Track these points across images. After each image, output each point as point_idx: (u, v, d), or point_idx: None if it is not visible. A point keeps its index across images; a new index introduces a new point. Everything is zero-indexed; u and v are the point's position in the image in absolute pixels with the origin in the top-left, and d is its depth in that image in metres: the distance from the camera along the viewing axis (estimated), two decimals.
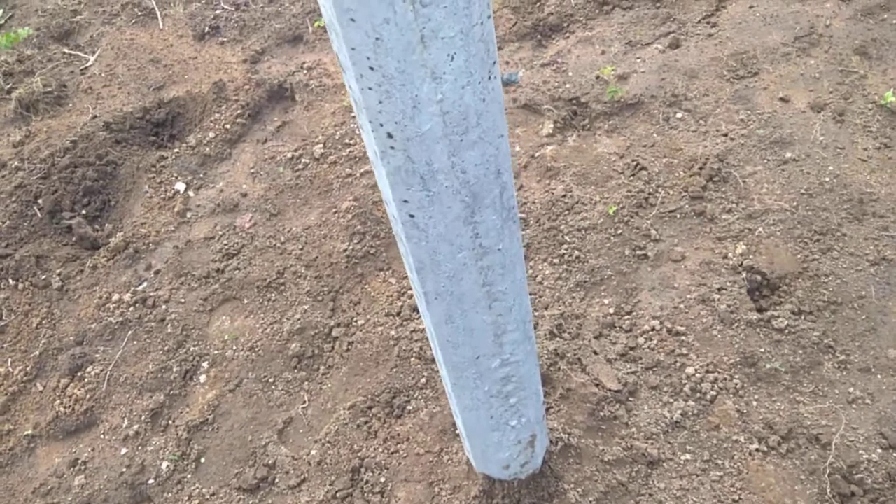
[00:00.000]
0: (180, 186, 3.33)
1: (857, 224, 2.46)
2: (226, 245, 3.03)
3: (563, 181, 2.81)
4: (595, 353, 2.32)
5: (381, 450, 2.29)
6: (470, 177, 1.22)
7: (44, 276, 3.12)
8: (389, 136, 1.13)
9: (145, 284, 3.02)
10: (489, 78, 1.13)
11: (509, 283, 1.48)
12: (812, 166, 2.63)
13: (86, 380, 2.77)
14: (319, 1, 1.01)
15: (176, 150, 3.48)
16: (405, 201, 1.24)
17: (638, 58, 3.17)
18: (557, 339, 2.38)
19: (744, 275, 2.40)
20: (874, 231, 2.44)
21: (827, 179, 2.58)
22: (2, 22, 4.41)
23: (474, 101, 1.12)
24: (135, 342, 2.85)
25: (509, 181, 1.32)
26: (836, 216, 2.49)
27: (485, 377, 1.68)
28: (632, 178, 2.75)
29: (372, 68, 1.04)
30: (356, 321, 2.67)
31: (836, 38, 3.03)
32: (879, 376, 2.14)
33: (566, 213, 2.72)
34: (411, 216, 1.27)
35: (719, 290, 2.39)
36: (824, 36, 3.04)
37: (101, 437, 2.63)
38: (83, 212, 3.34)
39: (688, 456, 2.12)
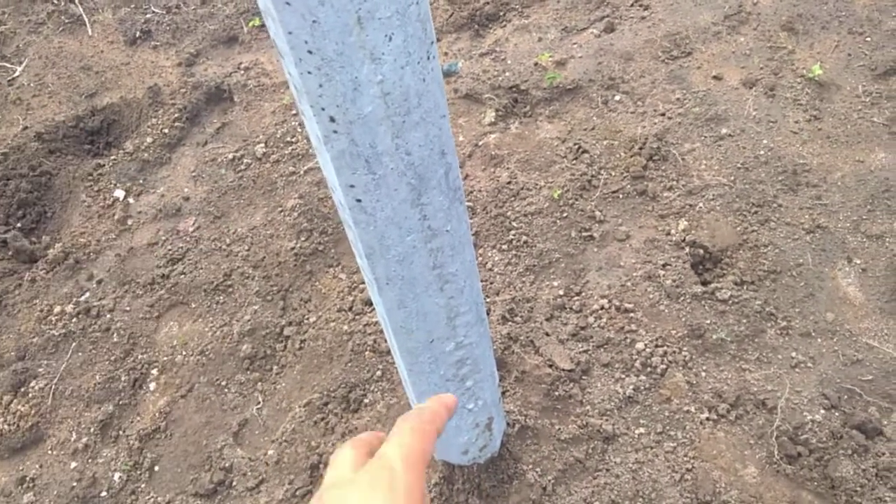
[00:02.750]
0: (119, 194, 3.24)
1: (792, 195, 2.55)
2: (170, 250, 2.97)
3: (508, 168, 2.84)
4: (547, 334, 2.35)
5: (339, 444, 2.28)
6: (415, 158, 1.23)
7: None
8: (332, 119, 1.13)
9: (88, 294, 2.93)
10: (428, 58, 1.13)
11: (459, 265, 1.49)
12: (747, 141, 2.71)
13: (30, 395, 2.68)
14: None
15: (113, 157, 3.39)
16: (351, 186, 1.24)
17: (574, 43, 3.22)
18: (510, 323, 2.40)
19: (687, 250, 2.46)
20: (808, 200, 2.53)
21: (762, 153, 2.67)
22: None
23: (414, 81, 1.12)
24: (79, 353, 2.76)
25: (454, 162, 1.32)
26: (771, 188, 2.57)
27: (440, 361, 1.69)
28: (574, 161, 2.79)
29: (310, 52, 1.03)
30: (308, 318, 2.65)
31: (764, 15, 3.13)
32: (819, 340, 2.23)
33: (512, 199, 2.74)
34: (358, 200, 1.26)
35: (664, 266, 2.44)
36: (752, 14, 3.14)
37: (49, 452, 2.55)
38: (18, 225, 3.23)
39: (641, 429, 2.16)
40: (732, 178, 2.61)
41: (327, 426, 2.36)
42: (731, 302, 2.32)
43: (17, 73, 3.84)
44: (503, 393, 2.27)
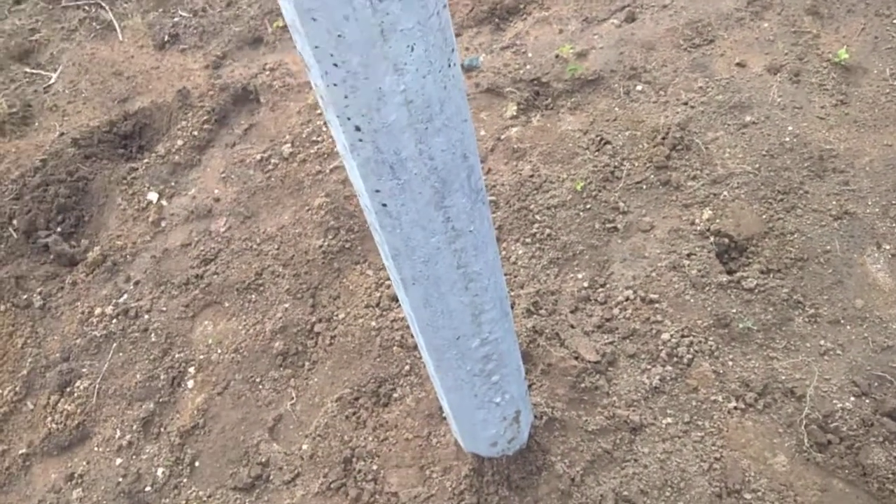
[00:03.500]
0: (153, 196, 3.33)
1: (819, 181, 2.54)
2: (202, 251, 3.05)
3: (531, 161, 2.86)
4: (572, 326, 2.38)
5: (370, 438, 2.34)
6: (438, 163, 1.26)
7: (25, 296, 3.11)
8: (357, 129, 1.17)
9: (126, 296, 3.02)
10: (449, 65, 1.17)
11: (483, 264, 1.53)
12: (772, 128, 2.70)
13: (75, 394, 2.78)
14: (280, 2, 1.04)
15: (146, 160, 3.48)
16: (377, 191, 1.28)
17: (595, 34, 3.22)
18: (535, 316, 2.43)
19: (712, 239, 2.47)
20: (835, 186, 2.52)
21: (787, 139, 2.66)
22: None
23: (436, 89, 1.16)
24: (120, 354, 2.86)
25: (476, 164, 1.36)
26: (797, 175, 2.56)
27: (466, 357, 1.73)
28: (597, 153, 2.81)
29: (336, 65, 1.07)
30: (337, 315, 2.70)
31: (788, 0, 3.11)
32: (849, 327, 2.22)
33: (535, 192, 2.77)
34: (384, 205, 1.31)
35: (689, 255, 2.45)
36: None
37: (95, 449, 2.64)
38: (58, 229, 3.33)
39: (669, 419, 2.19)
40: (757, 165, 2.61)
41: (359, 420, 2.41)
42: (757, 290, 2.33)
43: (52, 81, 3.95)
44: (530, 386, 2.30)
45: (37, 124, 3.78)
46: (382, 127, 1.16)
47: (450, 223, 1.38)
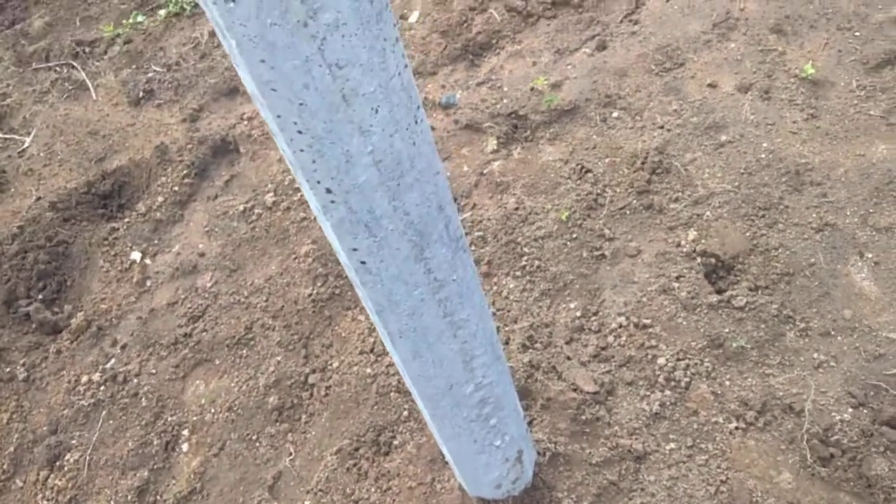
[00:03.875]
0: (136, 256, 3.31)
1: (797, 195, 2.55)
2: (190, 308, 3.02)
3: (514, 194, 2.86)
4: (568, 358, 2.36)
5: (373, 489, 2.30)
6: (413, 217, 1.25)
7: (7, 369, 3.07)
8: (328, 191, 1.16)
9: (113, 361, 2.98)
10: (416, 122, 1.17)
11: (470, 310, 1.52)
12: (747, 145, 2.72)
13: (65, 468, 2.73)
14: (241, 74, 1.04)
15: (127, 219, 3.46)
16: (354, 249, 1.27)
17: (568, 64, 3.25)
18: (530, 350, 2.41)
19: (698, 260, 2.47)
20: (814, 199, 2.53)
21: (763, 156, 2.67)
22: None
23: (405, 146, 1.15)
24: (111, 421, 2.81)
25: (453, 213, 1.35)
26: (776, 190, 2.57)
27: (461, 404, 1.71)
28: (579, 181, 2.81)
29: (300, 132, 1.07)
30: (331, 364, 2.68)
31: (752, 19, 3.15)
32: (840, 338, 2.22)
33: (521, 224, 2.76)
34: (363, 262, 1.30)
35: (678, 278, 2.45)
36: (740, 19, 3.15)
37: None
38: (39, 297, 3.30)
39: (672, 445, 2.16)
40: (737, 183, 2.62)
41: (360, 472, 2.38)
42: (747, 308, 2.32)
43: (26, 145, 3.94)
44: (530, 422, 2.28)
45: (12, 190, 3.77)
46: (353, 188, 1.15)
47: (431, 274, 1.37)
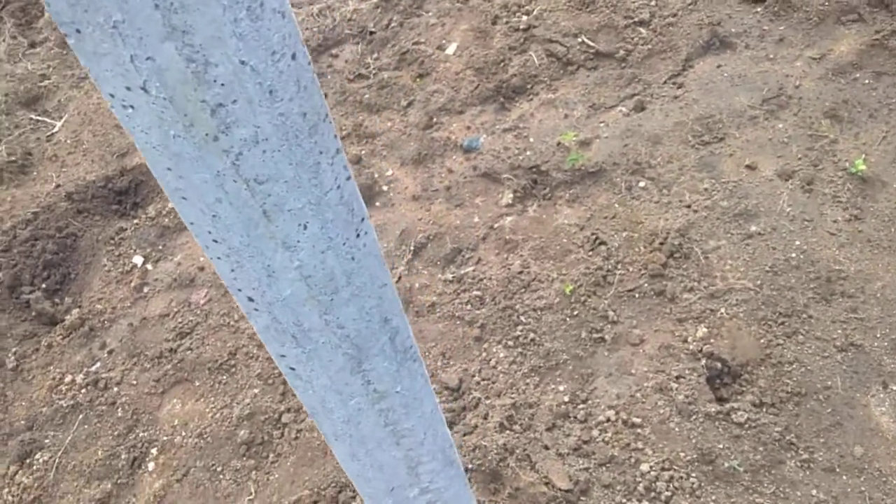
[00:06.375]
0: (138, 260, 3.26)
1: (825, 305, 2.35)
2: (180, 323, 2.95)
3: (521, 255, 2.72)
4: (546, 448, 2.21)
5: None
6: (350, 331, 1.13)
7: None
8: (250, 299, 1.05)
9: (98, 364, 2.93)
10: (357, 236, 1.04)
11: (416, 419, 1.39)
12: (778, 241, 2.53)
13: (34, 467, 2.69)
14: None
15: (136, 220, 3.42)
16: (282, 356, 1.16)
17: (601, 122, 3.09)
18: (508, 431, 2.27)
19: (703, 361, 2.29)
20: (842, 313, 2.32)
21: (793, 255, 2.48)
22: None
23: (340, 262, 1.03)
24: (85, 426, 2.76)
25: (401, 324, 1.22)
26: (802, 296, 2.38)
27: None
28: (591, 253, 2.65)
29: (216, 241, 0.96)
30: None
31: (806, 99, 2.93)
32: (845, 477, 2.02)
33: (522, 290, 2.62)
34: (292, 369, 1.18)
35: (678, 378, 2.28)
36: (793, 97, 2.94)
37: None
38: (43, 286, 3.27)
39: None
40: (759, 282, 2.43)
41: None
42: (747, 426, 2.14)
43: (55, 129, 3.94)
44: None
45: (35, 174, 3.76)
46: (277, 301, 1.03)
47: (371, 385, 1.25)
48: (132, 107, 0.81)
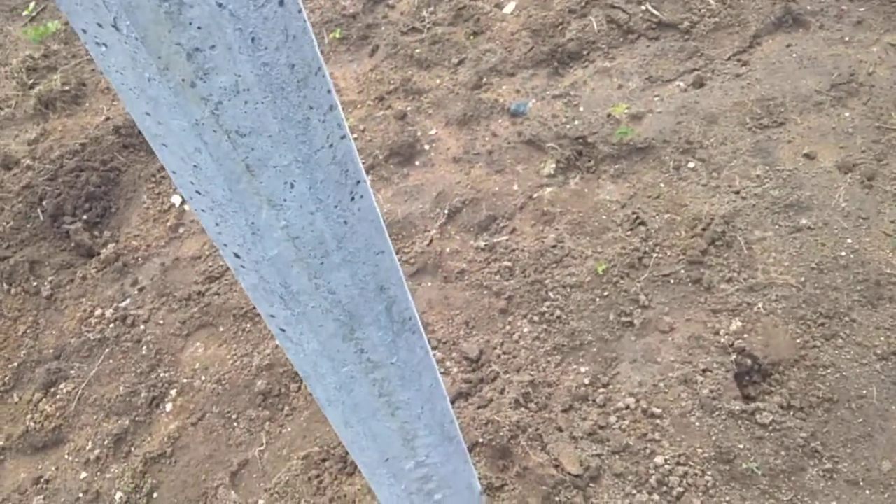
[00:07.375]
0: (176, 200, 3.28)
1: (870, 309, 2.21)
2: (210, 266, 2.97)
3: (557, 229, 2.63)
4: (560, 429, 2.15)
5: None
6: (341, 297, 1.08)
7: (35, 283, 3.12)
8: (237, 256, 1.01)
9: (128, 301, 2.98)
10: (352, 199, 0.99)
11: (413, 392, 1.34)
12: (828, 237, 2.38)
13: (58, 396, 2.76)
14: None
15: None
16: (271, 316, 1.12)
17: (656, 95, 2.94)
18: (523, 409, 2.22)
19: (734, 356, 2.19)
20: (888, 320, 2.18)
21: (843, 254, 2.33)
22: (33, 14, 4.45)
23: (330, 225, 0.98)
24: (110, 361, 2.81)
25: (400, 293, 1.17)
26: (847, 298, 2.24)
27: (400, 476, 1.55)
28: (629, 232, 2.55)
29: (199, 192, 0.91)
30: None
31: (879, 87, 2.74)
32: (868, 492, 1.91)
33: (554, 265, 2.54)
34: (282, 330, 1.14)
35: (704, 371, 2.18)
36: (865, 85, 2.75)
37: (66, 457, 2.61)
38: (84, 217, 3.32)
39: None
40: (803, 279, 2.30)
41: (320, 485, 2.27)
42: (772, 428, 2.04)
43: None
44: (501, 486, 2.10)
45: (87, 105, 3.80)
46: (263, 259, 0.99)
47: (364, 354, 1.20)
48: (105, 45, 0.76)
